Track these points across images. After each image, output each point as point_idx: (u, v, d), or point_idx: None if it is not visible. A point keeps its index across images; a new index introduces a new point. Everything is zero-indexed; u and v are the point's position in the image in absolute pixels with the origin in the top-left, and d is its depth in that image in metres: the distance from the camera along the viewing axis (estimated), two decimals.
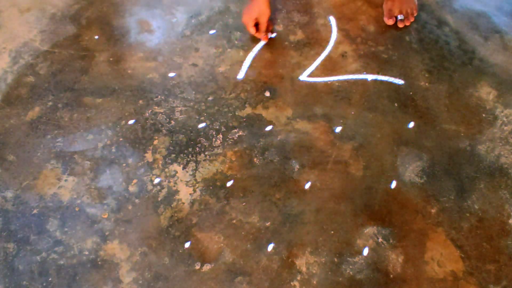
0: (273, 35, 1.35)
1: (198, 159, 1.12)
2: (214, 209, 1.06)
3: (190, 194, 1.08)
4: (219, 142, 1.15)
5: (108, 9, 1.39)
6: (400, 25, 1.38)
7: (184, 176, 1.10)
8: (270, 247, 1.02)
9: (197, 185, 1.09)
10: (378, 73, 1.29)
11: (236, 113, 1.20)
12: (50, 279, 0.96)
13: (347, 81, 1.27)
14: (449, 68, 1.31)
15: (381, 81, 1.28)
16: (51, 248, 1.00)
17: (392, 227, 1.05)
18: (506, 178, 1.13)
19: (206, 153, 1.14)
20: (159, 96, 1.22)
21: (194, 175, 1.10)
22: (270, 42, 1.34)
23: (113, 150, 1.13)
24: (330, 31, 1.37)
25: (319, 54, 1.32)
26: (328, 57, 1.32)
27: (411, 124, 1.20)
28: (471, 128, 1.21)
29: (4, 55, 1.28)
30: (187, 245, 1.01)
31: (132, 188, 1.08)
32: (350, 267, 1.00)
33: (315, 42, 1.35)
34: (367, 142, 1.17)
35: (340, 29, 1.38)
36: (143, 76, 1.26)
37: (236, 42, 1.33)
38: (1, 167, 1.09)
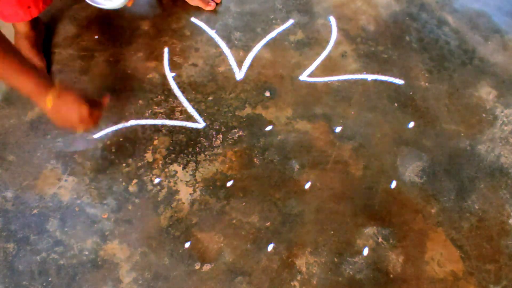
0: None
1: (198, 159, 1.12)
2: (214, 209, 1.06)
3: (190, 194, 1.08)
4: (219, 142, 1.15)
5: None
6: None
7: (184, 176, 1.10)
8: (270, 247, 1.02)
9: (197, 185, 1.09)
10: (378, 73, 1.29)
11: (236, 113, 1.20)
12: (50, 279, 0.96)
13: (347, 81, 1.27)
14: (449, 68, 1.31)
15: (381, 81, 1.28)
16: (51, 248, 1.00)
17: (392, 227, 1.05)
18: (506, 178, 1.13)
19: (206, 153, 1.14)
20: (159, 96, 1.22)
21: (194, 175, 1.10)
22: (270, 42, 1.34)
23: (113, 150, 1.13)
24: (330, 31, 1.37)
25: (319, 54, 1.32)
26: (328, 57, 1.32)
27: (411, 124, 1.20)
28: (471, 128, 1.21)
29: None
30: (187, 245, 1.01)
31: (132, 188, 1.08)
32: (350, 267, 1.00)
33: (315, 42, 1.35)
34: (367, 142, 1.17)
35: (340, 29, 1.38)
36: (143, 76, 1.25)
37: (236, 42, 1.33)
38: (1, 167, 1.09)
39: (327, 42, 1.35)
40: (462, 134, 1.20)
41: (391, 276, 0.99)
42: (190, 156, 1.13)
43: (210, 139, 1.16)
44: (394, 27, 1.39)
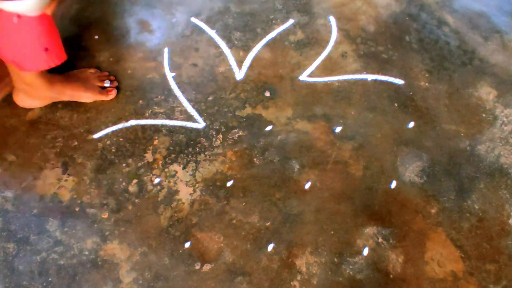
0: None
1: (198, 159, 1.12)
2: (214, 209, 1.06)
3: (190, 194, 1.08)
4: (219, 142, 1.15)
5: (108, 9, 1.39)
6: None
7: (184, 176, 1.10)
8: (270, 247, 1.02)
9: (197, 185, 1.09)
10: (378, 73, 1.29)
11: (236, 113, 1.20)
12: (50, 279, 0.96)
13: (347, 81, 1.27)
14: (449, 68, 1.31)
15: (381, 81, 1.28)
16: (51, 248, 1.00)
17: (392, 227, 1.05)
18: (506, 178, 1.13)
19: (206, 153, 1.14)
20: (159, 96, 1.22)
21: (194, 175, 1.10)
22: (270, 42, 1.34)
23: (113, 150, 1.13)
24: (330, 31, 1.37)
25: (319, 54, 1.32)
26: (328, 57, 1.32)
27: (411, 124, 1.20)
28: (471, 128, 1.21)
29: None
30: (187, 245, 1.01)
31: (132, 188, 1.08)
32: (350, 267, 1.00)
33: (315, 42, 1.35)
34: (367, 142, 1.17)
35: (340, 29, 1.38)
36: (143, 76, 1.26)
37: (236, 42, 1.34)
38: (1, 167, 1.09)
39: (327, 42, 1.35)
40: (462, 134, 1.20)
41: (391, 276, 0.99)
42: (190, 156, 1.13)
43: (210, 139, 1.16)
44: (394, 28, 1.39)
